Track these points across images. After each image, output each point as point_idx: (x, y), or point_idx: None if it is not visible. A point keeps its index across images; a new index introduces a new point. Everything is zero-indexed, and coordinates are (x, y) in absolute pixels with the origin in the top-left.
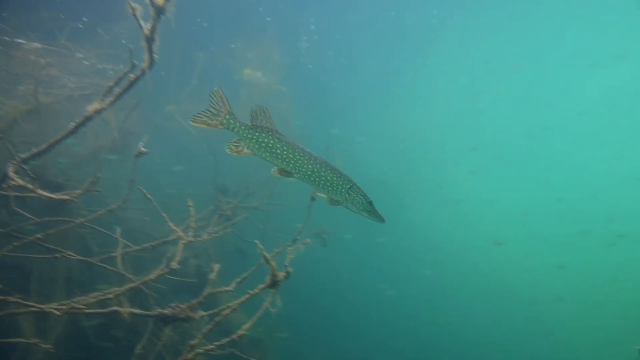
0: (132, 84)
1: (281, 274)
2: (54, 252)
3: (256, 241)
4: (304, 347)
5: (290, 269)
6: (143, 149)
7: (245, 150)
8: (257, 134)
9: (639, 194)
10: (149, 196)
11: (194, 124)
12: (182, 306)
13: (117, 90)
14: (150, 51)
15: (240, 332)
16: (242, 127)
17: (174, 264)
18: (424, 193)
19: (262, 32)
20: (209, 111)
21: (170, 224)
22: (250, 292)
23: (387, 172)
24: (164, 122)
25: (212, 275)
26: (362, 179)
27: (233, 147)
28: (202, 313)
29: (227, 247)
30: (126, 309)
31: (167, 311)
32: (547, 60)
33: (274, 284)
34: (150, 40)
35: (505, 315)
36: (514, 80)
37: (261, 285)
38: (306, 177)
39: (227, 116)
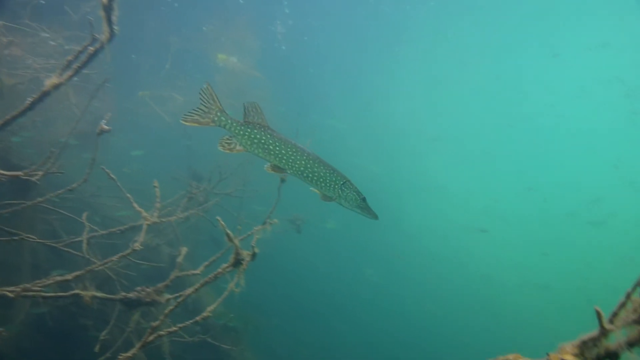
0: (92, 57)
1: (245, 253)
2: (14, 235)
3: (218, 217)
4: (285, 335)
5: (256, 250)
6: (105, 127)
7: (238, 147)
8: (249, 130)
9: (613, 182)
10: (112, 176)
11: (185, 123)
12: (148, 290)
13: (75, 64)
14: (110, 22)
15: (205, 314)
16: (235, 124)
17: (137, 245)
18: (401, 180)
19: (235, 15)
20: (200, 109)
21: (135, 205)
22: (215, 272)
23: (361, 158)
24: (137, 108)
25: (180, 259)
26: (334, 163)
27: (225, 145)
28: (168, 296)
29: (201, 235)
30: (88, 293)
31: (132, 295)
32: (518, 50)
33: (237, 262)
34: (108, 9)
35: (490, 301)
36: (485, 70)
37: (225, 265)
38: (299, 173)
39: (219, 113)
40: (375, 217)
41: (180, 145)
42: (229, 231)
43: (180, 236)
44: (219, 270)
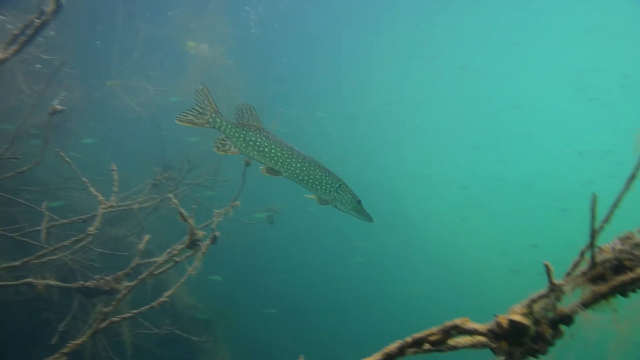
0: (38, 31)
1: (200, 234)
2: None
3: (170, 195)
4: (265, 327)
5: (217, 233)
6: (58, 107)
7: (233, 149)
8: (244, 132)
9: (580, 169)
10: (66, 159)
11: (180, 123)
12: (107, 278)
13: (21, 38)
14: None
15: (162, 299)
16: (229, 126)
17: (92, 230)
18: (382, 169)
19: (203, 1)
20: (195, 110)
21: (92, 189)
22: (169, 252)
23: (339, 147)
24: (106, 99)
25: (141, 246)
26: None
27: (220, 146)
28: (128, 284)
29: (175, 228)
30: (42, 281)
31: (90, 283)
32: (489, 40)
33: (193, 243)
34: None
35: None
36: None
37: (179, 246)
38: (295, 175)
39: (214, 115)
40: (370, 219)
41: (153, 135)
42: (182, 210)
43: (144, 225)
44: (174, 250)
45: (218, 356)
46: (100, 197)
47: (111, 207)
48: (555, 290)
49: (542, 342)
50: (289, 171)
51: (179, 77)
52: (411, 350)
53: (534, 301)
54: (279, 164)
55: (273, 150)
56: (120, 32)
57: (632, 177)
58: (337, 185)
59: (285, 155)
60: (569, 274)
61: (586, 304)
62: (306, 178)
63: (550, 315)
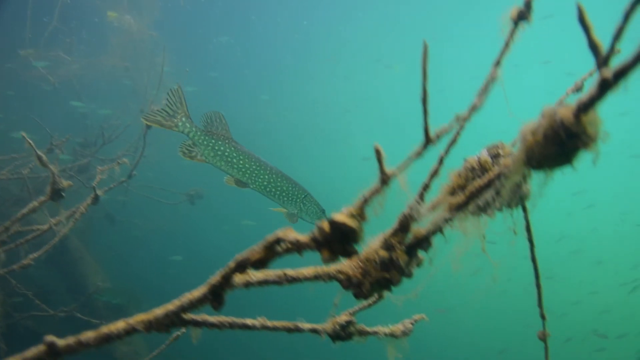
0: None
1: (65, 183)
2: None
3: (22, 134)
4: None
5: (99, 192)
6: None
7: (199, 157)
8: (213, 141)
9: None
10: None
11: (147, 123)
12: None
13: None
14: None
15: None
16: (199, 133)
17: None
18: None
19: None
20: (165, 111)
21: None
22: (28, 208)
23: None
24: (20, 69)
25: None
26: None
27: (186, 152)
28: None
29: (96, 213)
30: None
31: None
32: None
33: (55, 193)
34: None
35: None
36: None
37: (41, 198)
38: (262, 187)
39: (184, 119)
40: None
41: (70, 109)
42: (40, 153)
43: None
44: (35, 204)
45: (134, 344)
46: None
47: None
48: (385, 182)
49: (394, 270)
50: (257, 183)
51: (100, 50)
52: (241, 280)
53: (366, 200)
54: (247, 175)
55: (242, 162)
56: None
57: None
58: (303, 196)
59: (254, 167)
60: (426, 186)
61: (443, 220)
62: (273, 190)
63: (407, 240)
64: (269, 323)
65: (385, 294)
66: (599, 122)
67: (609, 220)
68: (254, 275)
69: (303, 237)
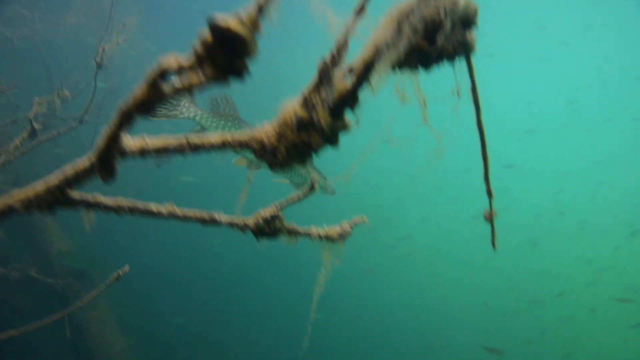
0: None
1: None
2: None
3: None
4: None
5: (37, 126)
6: None
7: None
8: (222, 122)
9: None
10: None
11: (154, 119)
12: None
13: None
14: None
15: None
16: (205, 116)
17: None
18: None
19: None
20: (168, 101)
21: None
22: None
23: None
24: None
25: None
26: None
27: None
28: None
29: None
30: None
31: None
32: None
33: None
34: None
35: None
36: None
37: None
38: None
39: (187, 104)
40: (333, 192)
41: (36, 70)
42: None
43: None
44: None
45: (98, 309)
46: None
47: None
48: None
49: (313, 131)
50: None
51: (63, 12)
52: (135, 146)
53: (260, 6)
54: None
55: None
56: None
57: None
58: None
59: None
60: (361, 8)
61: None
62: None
63: (331, 99)
64: (179, 211)
65: (318, 187)
66: None
67: None
68: (151, 141)
69: (184, 57)
